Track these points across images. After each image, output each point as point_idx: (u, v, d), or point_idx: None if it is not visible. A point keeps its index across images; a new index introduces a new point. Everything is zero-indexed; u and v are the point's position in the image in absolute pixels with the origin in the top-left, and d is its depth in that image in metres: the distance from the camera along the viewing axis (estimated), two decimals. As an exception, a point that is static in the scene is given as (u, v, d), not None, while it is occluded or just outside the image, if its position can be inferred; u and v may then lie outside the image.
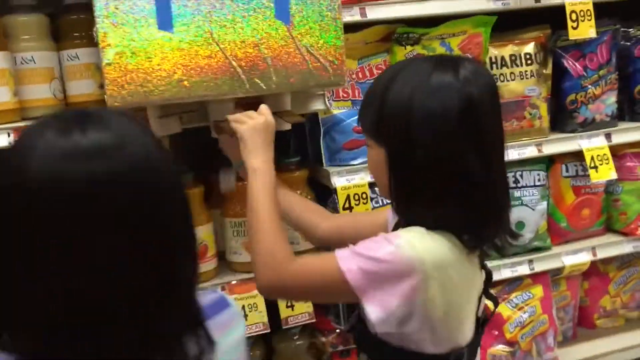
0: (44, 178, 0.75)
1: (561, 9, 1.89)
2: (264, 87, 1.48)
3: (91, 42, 1.51)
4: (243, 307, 1.71)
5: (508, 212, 1.17)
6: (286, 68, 1.49)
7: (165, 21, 1.39)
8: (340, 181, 1.78)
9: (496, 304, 1.31)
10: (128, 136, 0.81)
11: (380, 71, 1.87)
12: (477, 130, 1.08)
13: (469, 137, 1.07)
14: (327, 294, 1.20)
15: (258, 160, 1.34)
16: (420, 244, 1.08)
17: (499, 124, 1.14)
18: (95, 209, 0.76)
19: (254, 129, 1.37)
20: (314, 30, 1.50)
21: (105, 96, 1.38)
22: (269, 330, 1.75)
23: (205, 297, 0.98)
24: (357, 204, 1.78)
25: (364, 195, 1.78)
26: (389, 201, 1.21)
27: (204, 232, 1.73)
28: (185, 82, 1.41)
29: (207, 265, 1.75)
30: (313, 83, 1.53)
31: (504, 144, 1.16)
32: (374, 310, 1.08)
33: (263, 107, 1.43)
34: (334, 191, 1.79)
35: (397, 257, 1.07)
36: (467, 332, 1.17)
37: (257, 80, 1.47)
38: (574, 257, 2.09)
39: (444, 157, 1.07)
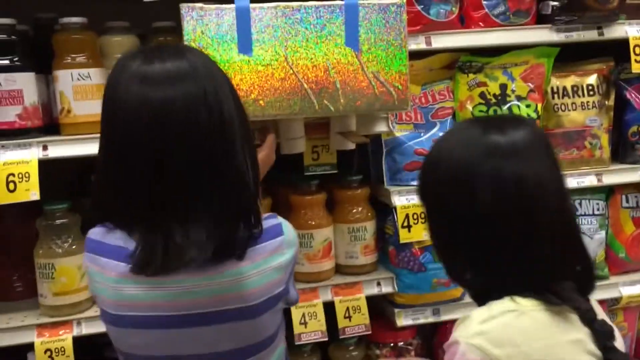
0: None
1: (624, 42, 1.93)
2: (332, 109, 1.59)
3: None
4: (303, 314, 1.83)
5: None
6: (353, 92, 1.60)
7: (245, 45, 1.52)
8: (400, 200, 1.87)
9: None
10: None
11: (443, 97, 1.96)
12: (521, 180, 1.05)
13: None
14: None
15: None
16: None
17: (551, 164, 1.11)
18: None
19: None
20: (380, 58, 1.61)
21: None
22: (326, 339, 1.85)
23: (265, 221, 1.12)
24: (416, 223, 1.85)
25: (422, 215, 1.85)
26: None
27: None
28: (261, 102, 1.54)
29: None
30: (378, 106, 1.63)
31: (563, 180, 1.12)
32: None
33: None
34: (393, 209, 1.87)
35: None
36: None
37: (326, 102, 1.58)
38: (631, 287, 2.10)
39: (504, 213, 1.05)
